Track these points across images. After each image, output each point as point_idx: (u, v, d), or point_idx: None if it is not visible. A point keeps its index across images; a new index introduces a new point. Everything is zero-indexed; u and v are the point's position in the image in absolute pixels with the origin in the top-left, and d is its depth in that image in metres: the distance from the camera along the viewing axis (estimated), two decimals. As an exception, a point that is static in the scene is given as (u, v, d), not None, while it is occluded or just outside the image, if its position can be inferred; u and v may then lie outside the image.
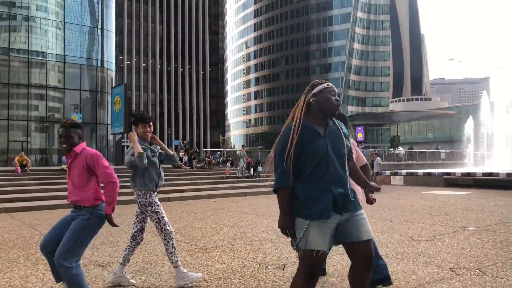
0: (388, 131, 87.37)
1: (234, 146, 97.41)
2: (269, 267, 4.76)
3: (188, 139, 71.72)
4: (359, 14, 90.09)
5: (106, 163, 3.38)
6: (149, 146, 4.20)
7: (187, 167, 22.75)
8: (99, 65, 36.82)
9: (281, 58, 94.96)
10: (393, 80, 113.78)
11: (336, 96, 2.67)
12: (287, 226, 2.49)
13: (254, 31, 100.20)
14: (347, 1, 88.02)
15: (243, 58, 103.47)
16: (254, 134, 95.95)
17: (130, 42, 73.72)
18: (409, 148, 42.00)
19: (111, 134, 30.83)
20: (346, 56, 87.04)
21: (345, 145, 2.61)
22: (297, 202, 2.50)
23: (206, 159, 24.09)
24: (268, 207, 11.41)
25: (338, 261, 4.99)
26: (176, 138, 71.85)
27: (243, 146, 25.39)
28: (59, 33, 34.58)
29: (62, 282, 3.45)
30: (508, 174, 17.39)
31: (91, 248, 5.97)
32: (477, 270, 4.47)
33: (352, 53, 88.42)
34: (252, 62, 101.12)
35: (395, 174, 21.63)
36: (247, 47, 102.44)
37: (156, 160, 4.18)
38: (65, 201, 12.34)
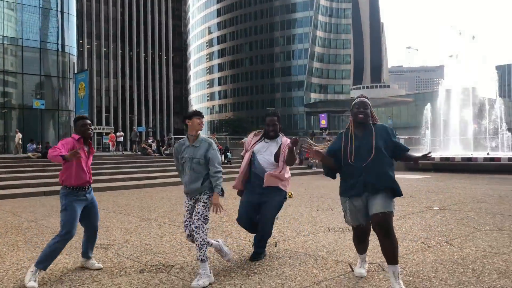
0: (348, 118, 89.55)
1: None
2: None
3: (151, 126, 70.86)
4: (322, 1, 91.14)
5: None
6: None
7: (156, 154, 22.81)
8: (60, 49, 35.70)
9: (245, 44, 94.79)
10: (354, 68, 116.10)
11: (360, 108, 3.63)
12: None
13: (218, 16, 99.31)
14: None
15: (206, 44, 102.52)
16: (218, 120, 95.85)
17: (90, 25, 71.52)
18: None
19: (76, 120, 30.19)
20: (309, 44, 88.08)
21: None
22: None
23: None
24: (244, 192, 11.86)
25: (323, 238, 5.51)
26: (139, 124, 70.82)
27: (213, 133, 25.64)
28: (11, 14, 33.19)
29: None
30: (463, 159, 18.64)
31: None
32: (445, 243, 5.10)
33: (315, 40, 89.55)
34: (215, 48, 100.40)
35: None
36: (210, 32, 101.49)
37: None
38: (40, 189, 12.31)
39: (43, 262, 3.89)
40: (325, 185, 13.24)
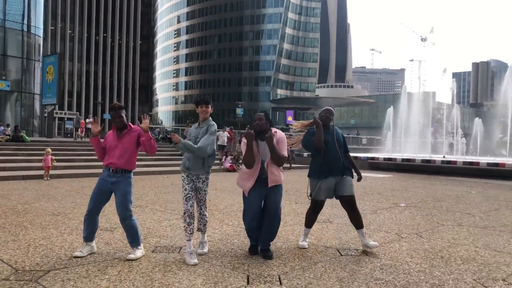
0: (313, 115, 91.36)
1: (161, 122, 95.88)
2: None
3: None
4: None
5: None
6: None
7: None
8: (25, 29, 34.60)
9: (214, 35, 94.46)
10: (319, 67, 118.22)
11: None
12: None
13: (187, 5, 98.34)
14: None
15: (174, 33, 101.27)
16: (183, 111, 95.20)
17: (55, 6, 69.18)
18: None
19: (43, 104, 29.55)
20: (278, 40, 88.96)
21: None
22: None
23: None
24: (222, 183, 12.38)
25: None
26: (104, 111, 69.42)
27: (187, 124, 25.76)
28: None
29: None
30: (423, 161, 19.91)
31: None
32: (415, 235, 5.85)
33: (283, 37, 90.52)
34: (183, 38, 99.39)
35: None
36: (179, 21, 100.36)
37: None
38: (17, 173, 12.32)
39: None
40: (296, 180, 13.94)
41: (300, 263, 4.33)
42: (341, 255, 4.70)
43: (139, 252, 4.44)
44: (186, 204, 4.46)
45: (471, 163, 18.45)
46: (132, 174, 4.62)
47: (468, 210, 8.26)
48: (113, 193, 4.58)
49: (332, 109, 5.21)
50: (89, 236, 4.51)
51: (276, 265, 4.26)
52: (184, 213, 4.45)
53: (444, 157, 25.55)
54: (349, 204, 4.92)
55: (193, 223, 4.46)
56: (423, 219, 7.18)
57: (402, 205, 8.78)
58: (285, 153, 4.60)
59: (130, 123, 4.68)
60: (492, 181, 15.57)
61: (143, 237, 5.29)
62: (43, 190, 9.77)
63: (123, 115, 4.59)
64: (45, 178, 11.94)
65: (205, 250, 4.64)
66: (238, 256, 4.56)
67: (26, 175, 12.02)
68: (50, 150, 12.29)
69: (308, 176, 5.08)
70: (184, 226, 4.45)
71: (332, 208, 8.02)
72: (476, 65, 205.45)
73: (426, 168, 19.17)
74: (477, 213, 7.91)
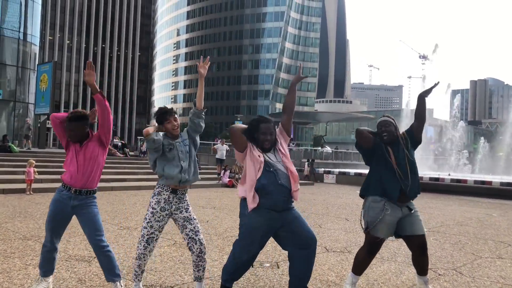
0: (312, 130, 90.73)
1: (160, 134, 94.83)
2: (264, 265, 4.81)
3: (113, 125, 68.69)
4: (292, 14, 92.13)
5: None
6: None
7: (122, 155, 21.87)
8: (21, 38, 33.85)
9: (213, 49, 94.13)
10: (318, 81, 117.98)
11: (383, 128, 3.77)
12: None
13: (187, 18, 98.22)
14: (281, 0, 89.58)
15: (174, 45, 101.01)
16: (181, 123, 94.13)
17: (54, 16, 68.71)
18: (335, 148, 43.99)
19: (35, 114, 28.63)
20: (277, 54, 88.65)
21: None
22: None
23: (142, 147, 23.28)
24: (221, 200, 11.41)
25: (326, 259, 5.17)
26: (100, 122, 68.48)
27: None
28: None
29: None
30: (431, 179, 18.97)
31: (62, 241, 5.56)
32: (454, 271, 4.89)
33: (283, 51, 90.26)
34: (183, 50, 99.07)
35: (328, 173, 22.60)
36: (178, 34, 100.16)
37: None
38: (0, 186, 11.32)
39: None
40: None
41: (325, 314, 3.36)
42: (374, 301, 3.73)
43: None
44: (146, 247, 3.38)
45: (483, 182, 17.53)
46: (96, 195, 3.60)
47: (499, 238, 7.30)
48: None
49: (388, 119, 3.82)
50: (48, 270, 3.55)
51: (293, 316, 3.28)
52: (139, 258, 3.40)
53: (449, 174, 24.66)
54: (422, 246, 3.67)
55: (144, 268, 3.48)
56: (454, 248, 6.22)
57: (423, 230, 7.80)
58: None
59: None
60: (507, 202, 14.66)
61: (126, 271, 4.32)
62: (22, 206, 8.77)
63: (87, 126, 3.56)
64: (28, 192, 10.94)
65: None
66: (244, 302, 3.58)
67: (7, 189, 11.01)
68: (33, 161, 11.32)
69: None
70: (135, 273, 3.45)
71: (347, 233, 7.06)
72: (474, 83, 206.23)
73: (434, 187, 18.21)
74: (511, 242, 6.96)
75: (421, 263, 3.71)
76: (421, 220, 3.73)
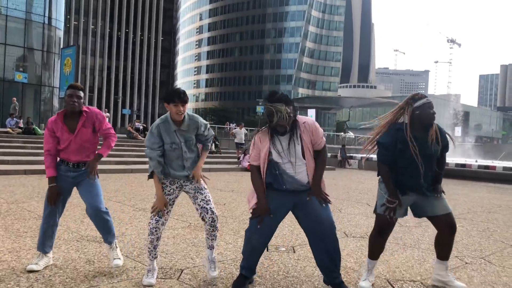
0: (334, 115, 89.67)
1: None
2: (279, 249, 4.62)
3: (136, 109, 69.45)
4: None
5: None
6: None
7: (143, 138, 21.96)
8: (46, 22, 34.23)
9: (235, 33, 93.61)
10: (342, 66, 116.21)
11: (433, 109, 3.31)
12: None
13: (210, 3, 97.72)
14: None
15: (196, 30, 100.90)
16: (203, 108, 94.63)
17: (79, 1, 69.29)
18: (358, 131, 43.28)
19: (59, 97, 29.04)
20: (300, 38, 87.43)
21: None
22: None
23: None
24: (239, 184, 11.27)
25: (344, 244, 4.94)
26: (124, 107, 69.27)
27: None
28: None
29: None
30: (457, 165, 18.39)
31: (75, 221, 5.52)
32: (482, 259, 4.59)
33: (306, 35, 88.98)
34: (205, 35, 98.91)
35: (351, 158, 22.20)
36: (201, 18, 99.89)
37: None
38: (19, 167, 11.47)
39: None
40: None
41: (341, 303, 3.15)
42: (394, 289, 3.50)
43: (119, 250, 3.75)
44: (158, 220, 3.34)
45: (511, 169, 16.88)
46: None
47: (531, 226, 6.90)
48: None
49: (430, 101, 3.36)
50: (48, 246, 3.59)
51: (308, 304, 3.09)
52: (151, 233, 3.34)
53: (476, 161, 23.92)
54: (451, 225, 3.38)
55: (158, 246, 3.42)
56: (482, 236, 5.88)
57: (449, 216, 7.46)
58: (324, 144, 3.26)
59: (85, 107, 3.64)
60: (538, 190, 14.03)
61: (137, 252, 4.20)
62: (41, 186, 8.81)
63: (82, 97, 3.58)
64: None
65: (215, 273, 3.46)
66: (258, 286, 3.40)
67: (28, 170, 11.14)
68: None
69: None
70: (148, 249, 3.40)
71: (368, 218, 6.80)
72: (504, 67, 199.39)
73: (460, 173, 17.64)
74: (544, 230, 6.56)
75: (446, 245, 3.42)
76: (444, 199, 3.44)
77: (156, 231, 3.35)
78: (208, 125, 3.55)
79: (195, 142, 3.49)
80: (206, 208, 3.40)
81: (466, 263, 4.42)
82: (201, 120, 3.47)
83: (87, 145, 3.61)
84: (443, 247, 3.44)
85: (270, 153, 3.15)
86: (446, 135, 3.47)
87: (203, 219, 3.43)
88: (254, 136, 3.27)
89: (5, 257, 3.83)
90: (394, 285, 3.59)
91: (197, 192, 3.45)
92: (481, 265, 4.37)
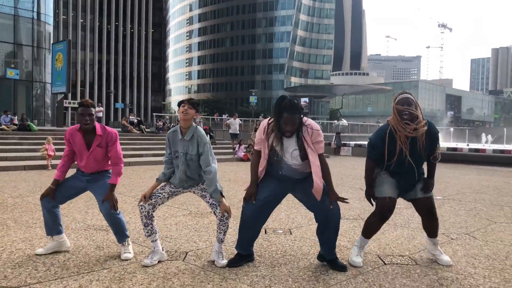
0: (328, 103, 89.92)
1: (175, 112, 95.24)
2: (277, 231, 4.89)
3: (128, 102, 69.22)
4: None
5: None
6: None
7: (138, 131, 22.12)
8: (35, 17, 34.03)
9: (226, 23, 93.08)
10: (334, 54, 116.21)
11: (405, 106, 3.47)
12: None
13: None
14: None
15: (186, 21, 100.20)
16: (196, 100, 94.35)
17: (67, -5, 68.62)
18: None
19: (52, 93, 29.01)
20: (291, 27, 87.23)
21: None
22: None
23: (158, 124, 23.50)
24: (236, 174, 11.52)
25: (339, 226, 5.22)
26: (116, 100, 69.03)
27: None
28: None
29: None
30: (449, 149, 18.76)
31: (80, 212, 5.75)
32: (467, 235, 4.89)
33: (297, 23, 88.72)
34: (195, 26, 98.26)
35: (344, 145, 22.51)
36: (191, 9, 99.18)
37: None
38: (19, 163, 11.64)
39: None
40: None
41: (336, 276, 3.43)
42: (385, 263, 3.78)
43: (131, 247, 3.87)
44: (143, 206, 3.60)
45: (502, 151, 17.27)
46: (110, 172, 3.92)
47: (516, 204, 7.24)
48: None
49: (404, 97, 3.55)
50: (53, 229, 3.81)
51: (306, 278, 3.37)
52: (140, 211, 3.61)
53: (467, 145, 24.35)
54: (430, 209, 3.74)
55: (151, 224, 3.61)
56: (468, 215, 6.20)
57: (438, 198, 7.79)
58: (322, 152, 3.48)
59: (98, 125, 3.80)
60: (526, 170, 14.44)
61: (143, 238, 4.45)
62: (42, 181, 9.01)
63: (94, 113, 3.74)
64: (49, 168, 11.23)
65: (224, 261, 3.63)
66: (257, 267, 3.67)
67: (28, 165, 11.31)
68: (51, 138, 11.56)
69: None
70: (143, 229, 3.67)
71: (361, 201, 7.09)
72: (496, 51, 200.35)
73: (451, 157, 18.02)
74: (528, 208, 6.90)
75: (431, 228, 3.80)
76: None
77: (142, 208, 3.58)
78: (207, 144, 3.62)
79: (197, 164, 3.60)
80: (216, 204, 3.62)
81: (452, 239, 4.72)
82: (204, 136, 3.65)
83: (99, 159, 3.80)
84: (429, 229, 3.81)
85: (272, 146, 3.46)
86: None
87: (214, 214, 3.67)
88: (264, 123, 3.52)
89: (20, 246, 4.07)
90: (384, 260, 3.87)
91: (204, 191, 3.68)
92: (465, 240, 4.67)
